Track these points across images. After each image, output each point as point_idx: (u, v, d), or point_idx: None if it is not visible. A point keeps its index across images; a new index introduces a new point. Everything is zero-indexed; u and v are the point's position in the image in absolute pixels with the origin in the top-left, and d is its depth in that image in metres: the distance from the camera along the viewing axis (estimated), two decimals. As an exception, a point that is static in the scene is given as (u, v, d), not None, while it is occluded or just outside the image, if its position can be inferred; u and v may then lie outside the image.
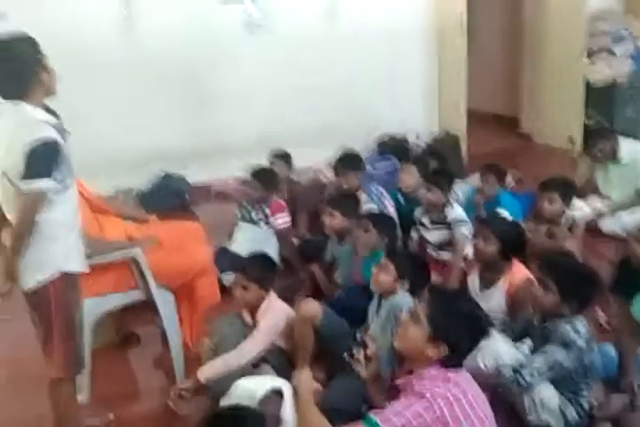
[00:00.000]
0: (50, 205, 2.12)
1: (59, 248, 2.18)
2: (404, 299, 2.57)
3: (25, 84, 2.11)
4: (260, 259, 2.85)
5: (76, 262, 2.26)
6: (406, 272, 2.65)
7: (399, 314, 2.43)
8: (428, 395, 1.75)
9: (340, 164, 3.96)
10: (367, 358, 2.03)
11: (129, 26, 5.27)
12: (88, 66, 5.05)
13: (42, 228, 2.12)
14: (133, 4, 5.22)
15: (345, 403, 2.23)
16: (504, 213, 3.57)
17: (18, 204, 2.09)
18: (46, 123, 2.12)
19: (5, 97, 2.13)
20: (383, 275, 2.65)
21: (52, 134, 2.09)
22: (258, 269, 2.70)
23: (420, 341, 1.85)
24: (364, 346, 2.02)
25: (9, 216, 2.17)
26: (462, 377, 1.84)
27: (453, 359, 1.86)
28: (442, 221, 3.47)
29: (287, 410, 2.14)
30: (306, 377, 1.98)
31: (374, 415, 1.78)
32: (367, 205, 3.65)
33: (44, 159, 2.06)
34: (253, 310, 2.69)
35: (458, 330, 1.84)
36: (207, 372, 2.48)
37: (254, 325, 2.64)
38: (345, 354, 2.11)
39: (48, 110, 2.22)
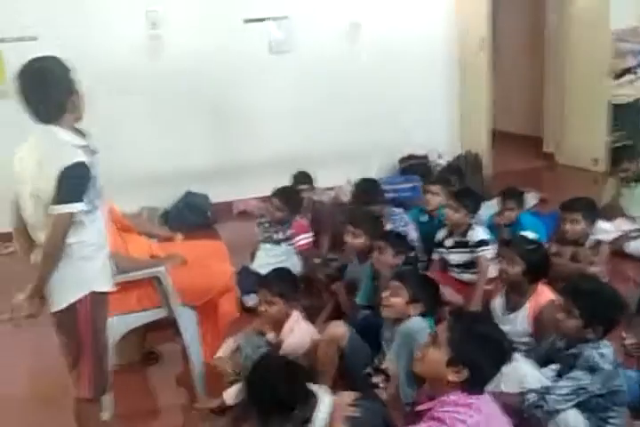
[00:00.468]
0: (80, 227, 2.14)
1: (89, 268, 2.20)
2: (417, 323, 2.51)
3: (58, 109, 2.14)
4: (284, 273, 2.87)
5: (105, 282, 2.28)
6: (419, 294, 2.59)
7: (415, 339, 2.41)
8: (448, 421, 1.72)
9: (359, 193, 3.96)
10: (386, 381, 2.00)
11: (155, 47, 5.40)
12: (115, 87, 5.17)
13: (72, 249, 2.14)
14: (160, 26, 5.34)
15: (367, 426, 2.21)
16: (530, 234, 3.53)
17: (47, 226, 2.11)
18: (76, 146, 2.15)
19: (40, 119, 2.16)
20: (394, 298, 2.59)
21: (82, 158, 2.11)
22: (282, 283, 2.72)
23: (441, 365, 1.81)
24: (383, 371, 1.99)
25: (36, 238, 2.19)
26: (484, 403, 1.80)
27: (475, 385, 1.82)
28: (464, 244, 3.44)
29: (320, 413, 2.09)
30: (346, 400, 1.94)
31: None
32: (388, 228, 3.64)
33: (74, 184, 2.09)
34: (277, 327, 2.69)
35: (480, 354, 1.81)
36: (236, 394, 2.48)
37: (278, 342, 2.63)
38: (364, 378, 2.08)
39: (78, 131, 2.25)
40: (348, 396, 1.93)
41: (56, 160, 2.07)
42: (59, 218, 2.08)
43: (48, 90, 2.12)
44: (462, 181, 4.41)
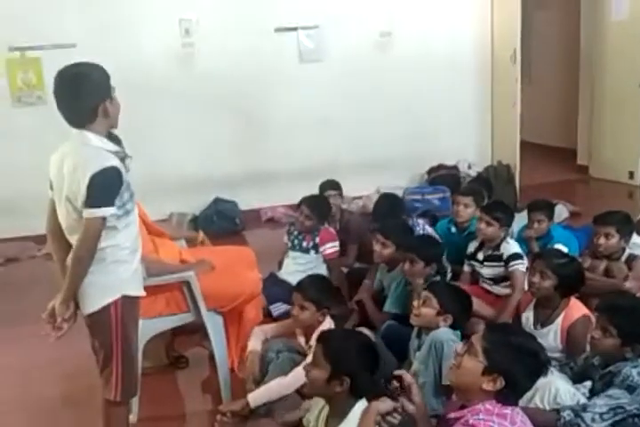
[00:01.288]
0: (113, 231, 2.15)
1: (122, 272, 2.21)
2: (446, 334, 2.50)
3: (89, 113, 2.15)
4: (320, 279, 2.87)
5: (137, 286, 2.30)
6: (450, 306, 2.58)
7: (442, 350, 2.41)
8: None
9: (378, 210, 3.95)
10: (403, 390, 1.96)
11: (188, 54, 5.48)
12: (148, 93, 5.26)
13: (105, 252, 2.15)
14: (193, 34, 5.42)
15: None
16: (562, 247, 3.47)
17: (80, 230, 2.12)
18: (108, 151, 2.16)
19: (72, 124, 2.18)
20: (425, 308, 2.59)
21: (114, 163, 2.13)
22: (316, 289, 2.71)
23: (476, 374, 1.80)
24: (399, 379, 1.97)
25: (72, 241, 2.21)
26: (517, 415, 1.78)
27: (510, 396, 1.80)
28: (497, 258, 3.39)
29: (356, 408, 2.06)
30: (384, 406, 1.93)
31: None
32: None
33: (105, 189, 2.10)
34: (308, 333, 2.69)
35: (516, 364, 1.79)
36: (261, 397, 2.48)
37: (308, 348, 2.63)
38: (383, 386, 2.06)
39: (111, 137, 2.27)
40: (386, 405, 1.92)
41: (88, 165, 2.09)
42: (90, 222, 2.10)
43: (81, 94, 2.14)
44: (491, 193, 4.35)
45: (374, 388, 1.97)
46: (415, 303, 2.64)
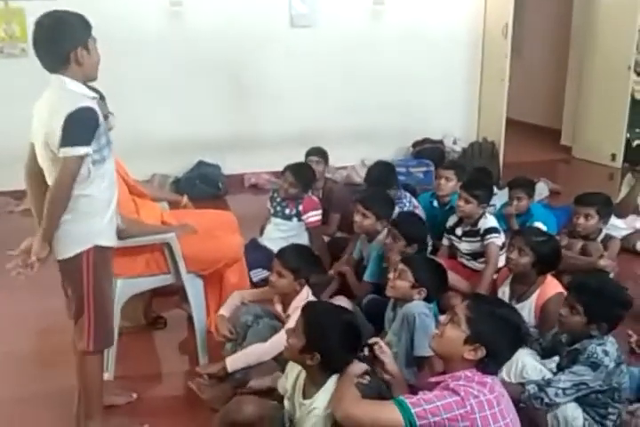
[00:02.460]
0: (87, 181, 2.15)
1: (95, 223, 2.22)
2: (418, 307, 2.53)
3: (61, 58, 2.14)
4: (301, 249, 2.87)
5: (109, 237, 2.30)
6: (424, 279, 2.60)
7: (414, 322, 2.45)
8: (462, 393, 1.74)
9: (372, 180, 3.93)
10: (376, 358, 2.01)
11: (176, 13, 5.35)
12: (134, 51, 5.15)
13: (80, 202, 2.16)
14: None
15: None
16: (540, 225, 3.52)
17: (56, 171, 2.12)
18: (85, 95, 2.17)
19: (48, 69, 2.18)
20: (399, 281, 2.61)
21: (89, 104, 2.13)
22: (298, 258, 2.71)
23: (458, 342, 1.84)
24: (370, 348, 2.01)
25: (50, 183, 2.19)
26: (497, 386, 1.83)
27: (490, 365, 1.85)
28: (475, 233, 3.42)
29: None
30: (360, 367, 1.98)
31: (405, 398, 1.78)
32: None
33: (80, 127, 2.10)
34: (285, 301, 2.71)
35: (498, 334, 1.83)
36: (239, 361, 2.52)
37: (287, 317, 2.65)
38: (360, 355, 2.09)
39: (93, 89, 2.26)
40: (360, 367, 1.96)
41: (63, 106, 2.09)
42: (66, 161, 2.09)
43: (54, 39, 2.14)
44: (480, 172, 4.32)
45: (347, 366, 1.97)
46: (391, 275, 2.67)
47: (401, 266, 2.65)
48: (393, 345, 2.50)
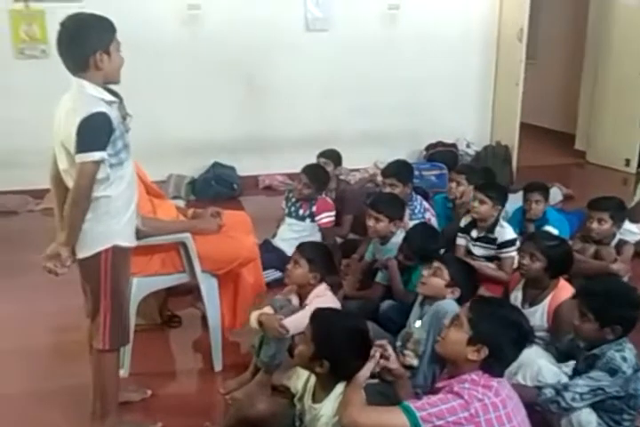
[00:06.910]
0: (106, 182, 2.19)
1: (114, 224, 2.25)
2: (451, 305, 2.51)
3: (80, 62, 2.17)
4: (320, 246, 2.96)
5: (128, 237, 2.34)
6: (459, 279, 2.59)
7: (443, 319, 2.43)
8: (466, 396, 1.76)
9: (390, 174, 3.93)
10: (383, 357, 2.01)
11: (194, 16, 5.40)
12: (151, 54, 5.19)
13: (99, 203, 2.19)
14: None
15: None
16: (552, 229, 3.52)
17: (74, 175, 2.16)
18: (102, 100, 2.19)
19: (69, 70, 2.20)
20: (435, 278, 2.61)
21: (103, 109, 2.15)
22: (314, 251, 2.78)
23: (461, 344, 1.86)
24: (382, 347, 2.02)
25: (69, 186, 2.23)
26: (503, 387, 1.84)
27: (494, 366, 1.86)
28: (491, 241, 3.41)
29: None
30: (366, 371, 1.98)
31: (410, 403, 1.80)
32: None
33: (93, 133, 2.12)
34: (302, 293, 2.76)
35: (499, 334, 1.85)
36: (298, 323, 2.47)
37: (303, 306, 2.70)
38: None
39: (111, 92, 2.28)
40: (368, 368, 1.98)
41: (78, 111, 2.12)
42: (82, 167, 2.13)
43: (75, 41, 2.17)
44: (490, 175, 4.33)
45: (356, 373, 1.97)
46: (425, 272, 2.65)
47: (437, 264, 2.64)
48: (422, 343, 2.51)
